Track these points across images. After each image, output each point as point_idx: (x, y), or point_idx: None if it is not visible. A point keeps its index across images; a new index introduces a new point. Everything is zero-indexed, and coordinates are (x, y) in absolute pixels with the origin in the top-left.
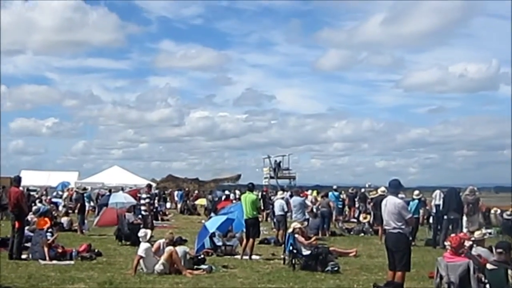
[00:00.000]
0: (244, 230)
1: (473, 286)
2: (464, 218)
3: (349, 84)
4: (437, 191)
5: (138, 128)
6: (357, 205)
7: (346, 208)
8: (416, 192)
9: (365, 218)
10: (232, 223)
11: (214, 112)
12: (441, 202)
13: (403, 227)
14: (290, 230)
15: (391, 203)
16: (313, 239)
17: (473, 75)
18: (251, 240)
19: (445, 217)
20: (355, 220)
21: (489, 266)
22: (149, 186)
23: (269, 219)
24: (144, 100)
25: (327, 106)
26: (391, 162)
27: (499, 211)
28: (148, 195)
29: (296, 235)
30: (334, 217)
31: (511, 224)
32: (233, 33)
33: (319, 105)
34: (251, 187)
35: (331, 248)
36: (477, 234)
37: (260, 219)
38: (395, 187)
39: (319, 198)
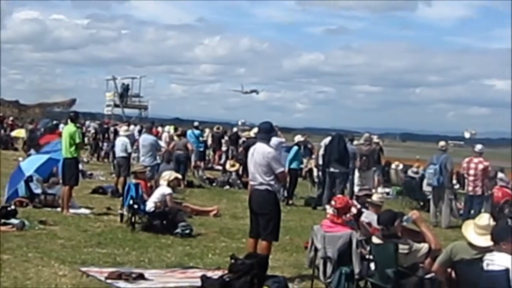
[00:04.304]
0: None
1: (355, 263)
2: (356, 173)
3: None
4: (328, 138)
5: None
6: (224, 149)
7: (210, 152)
8: (298, 136)
9: (232, 166)
10: (57, 165)
11: (46, 13)
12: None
13: (272, 183)
14: (164, 181)
15: (259, 152)
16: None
17: None
18: (66, 187)
19: (327, 171)
20: (220, 168)
21: (375, 240)
22: None
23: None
24: None
25: (196, 16)
26: (274, 94)
27: (401, 166)
28: None
29: (168, 189)
30: (193, 163)
31: (414, 184)
32: None
33: (186, 13)
34: (73, 117)
35: (184, 204)
36: (376, 197)
37: (85, 159)
38: (266, 132)
39: (175, 138)
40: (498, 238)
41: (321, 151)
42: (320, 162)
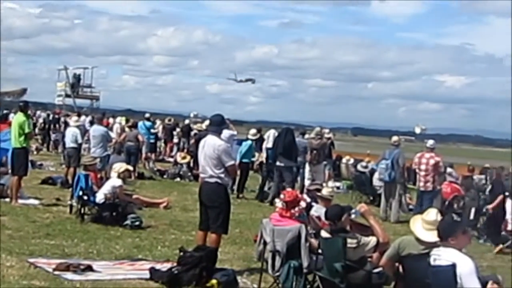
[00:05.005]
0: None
1: (303, 257)
2: (307, 167)
3: None
4: (272, 131)
5: None
6: (176, 141)
7: (161, 144)
8: (253, 131)
9: (183, 158)
10: (6, 155)
11: None
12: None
13: (222, 176)
14: (115, 173)
15: (209, 144)
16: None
17: None
18: (15, 177)
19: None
20: (171, 160)
21: (323, 234)
22: None
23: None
24: None
25: (150, 7)
26: (227, 87)
27: (352, 160)
28: None
29: (119, 181)
30: (143, 155)
31: (364, 179)
32: None
33: (140, 4)
34: (22, 106)
35: (134, 196)
36: (326, 191)
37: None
38: (217, 125)
39: (126, 129)
40: (445, 234)
41: (266, 145)
42: (264, 155)
